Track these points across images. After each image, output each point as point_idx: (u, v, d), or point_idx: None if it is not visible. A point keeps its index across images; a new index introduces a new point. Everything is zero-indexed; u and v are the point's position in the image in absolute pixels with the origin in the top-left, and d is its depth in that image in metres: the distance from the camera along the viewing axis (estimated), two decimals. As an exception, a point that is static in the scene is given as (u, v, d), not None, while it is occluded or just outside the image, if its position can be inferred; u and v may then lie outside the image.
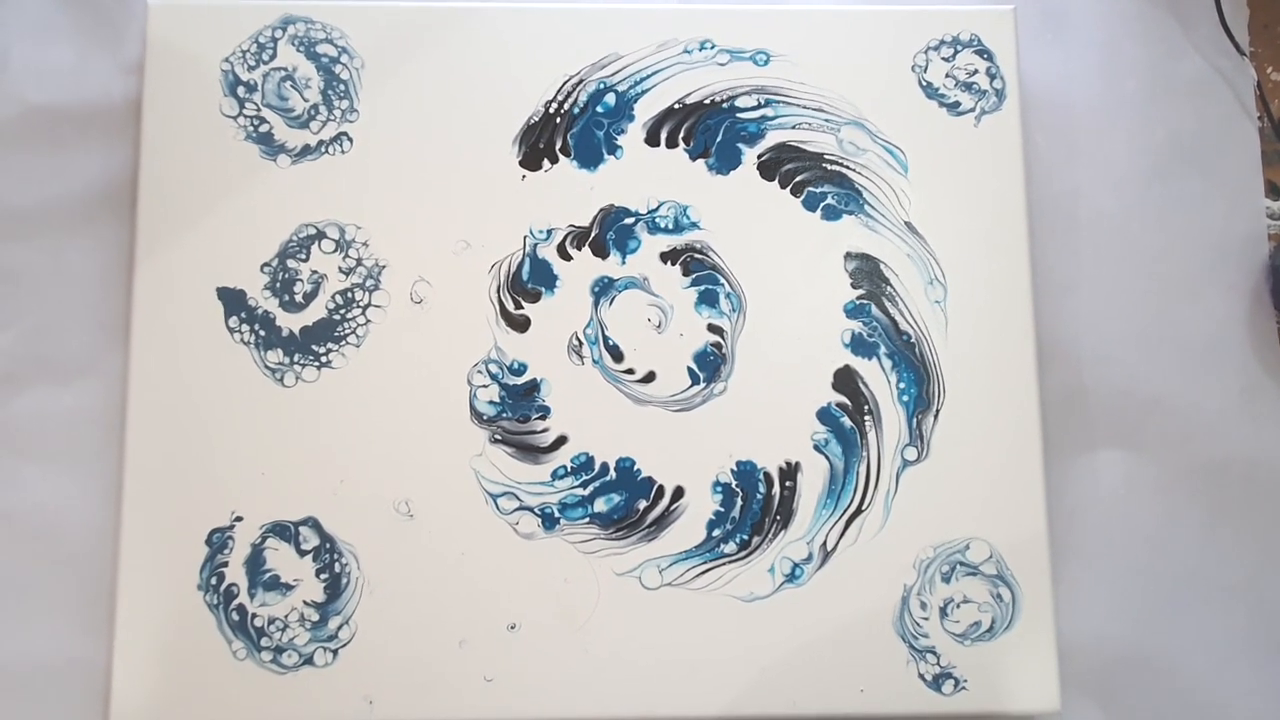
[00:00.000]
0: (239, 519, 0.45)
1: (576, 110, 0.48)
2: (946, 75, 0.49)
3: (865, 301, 0.47)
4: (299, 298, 0.47)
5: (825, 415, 0.46)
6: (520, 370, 0.46)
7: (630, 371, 0.47)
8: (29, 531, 0.46)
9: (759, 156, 0.48)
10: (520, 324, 0.47)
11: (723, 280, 0.47)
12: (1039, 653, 0.45)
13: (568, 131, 0.48)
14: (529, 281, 0.47)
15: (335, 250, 0.47)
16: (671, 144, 0.48)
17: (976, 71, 0.49)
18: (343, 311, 0.47)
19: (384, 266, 0.47)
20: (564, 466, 0.46)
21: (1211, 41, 0.52)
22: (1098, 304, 0.50)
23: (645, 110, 0.48)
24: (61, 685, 0.45)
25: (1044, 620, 0.45)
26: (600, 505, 0.46)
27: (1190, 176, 0.51)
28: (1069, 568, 0.48)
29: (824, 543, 0.46)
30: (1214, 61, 0.52)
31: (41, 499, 0.46)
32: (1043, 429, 0.46)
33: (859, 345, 0.47)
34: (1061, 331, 0.49)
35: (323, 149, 0.47)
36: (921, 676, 0.45)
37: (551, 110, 0.48)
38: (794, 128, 0.48)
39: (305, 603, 0.44)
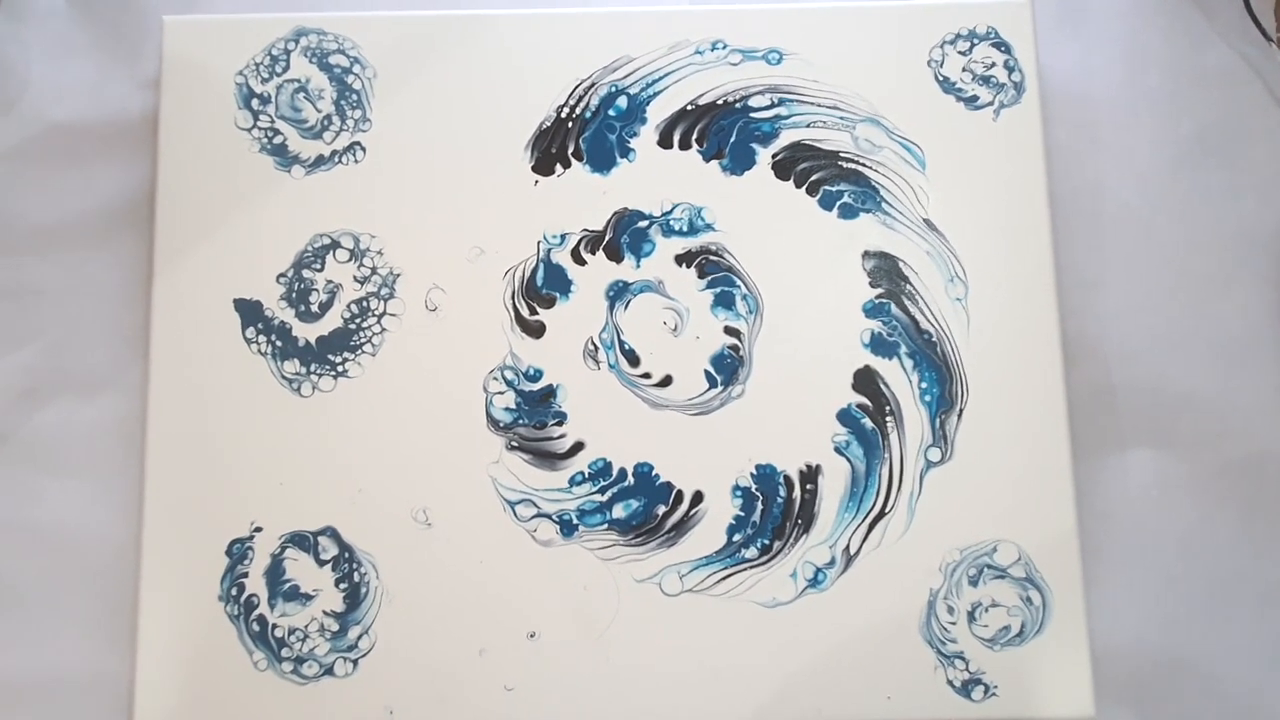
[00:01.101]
0: (258, 529, 0.45)
1: (588, 114, 0.48)
2: (963, 69, 0.48)
3: (884, 300, 0.47)
4: (315, 308, 0.47)
5: (846, 416, 0.46)
6: (536, 376, 0.46)
7: (647, 375, 0.46)
8: (51, 544, 0.46)
9: (773, 156, 0.48)
10: (535, 330, 0.46)
11: (739, 282, 0.47)
12: (1071, 657, 0.44)
13: (580, 136, 0.48)
14: (543, 287, 0.47)
15: (350, 260, 0.47)
16: (685, 146, 0.48)
17: (994, 65, 0.48)
18: (358, 321, 0.47)
19: (398, 275, 0.47)
20: (581, 473, 0.45)
21: (1237, 29, 0.51)
22: (1124, 300, 0.49)
23: (658, 112, 0.48)
24: (85, 697, 0.45)
25: (1076, 624, 0.44)
26: (619, 511, 0.45)
27: (1217, 168, 0.50)
28: (1100, 570, 0.46)
29: (847, 546, 0.45)
30: (1240, 49, 0.51)
31: (63, 512, 0.46)
32: (1070, 428, 0.45)
33: (879, 345, 0.46)
34: (1087, 328, 0.48)
35: (336, 159, 0.48)
36: (950, 682, 0.44)
37: (563, 115, 0.48)
38: (808, 126, 0.48)
39: (325, 613, 0.44)
